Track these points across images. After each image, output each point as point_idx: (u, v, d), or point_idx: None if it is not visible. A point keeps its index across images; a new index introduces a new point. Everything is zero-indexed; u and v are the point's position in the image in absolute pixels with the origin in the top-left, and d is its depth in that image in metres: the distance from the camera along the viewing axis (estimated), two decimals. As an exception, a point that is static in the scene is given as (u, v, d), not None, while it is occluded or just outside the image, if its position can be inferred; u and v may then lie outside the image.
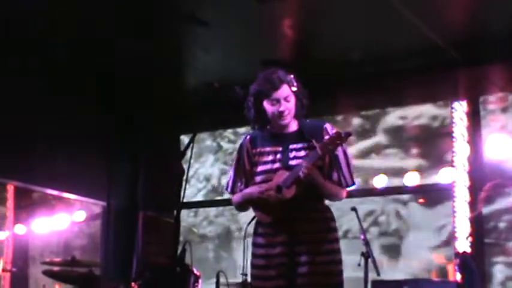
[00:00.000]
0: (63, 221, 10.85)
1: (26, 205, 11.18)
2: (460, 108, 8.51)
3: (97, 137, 9.42)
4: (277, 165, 4.36)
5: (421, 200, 9.71)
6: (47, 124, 8.69)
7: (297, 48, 8.47)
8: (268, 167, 4.39)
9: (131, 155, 9.90)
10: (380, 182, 8.94)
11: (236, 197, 4.56)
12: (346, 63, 8.69)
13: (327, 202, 4.48)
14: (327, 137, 4.20)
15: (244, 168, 4.54)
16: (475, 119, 8.47)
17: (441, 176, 8.55)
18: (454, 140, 8.47)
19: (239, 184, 4.55)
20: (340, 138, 4.16)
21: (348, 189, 4.46)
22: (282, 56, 8.47)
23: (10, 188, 11.14)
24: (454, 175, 8.37)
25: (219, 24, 7.85)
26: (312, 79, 8.77)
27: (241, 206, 4.56)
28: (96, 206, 10.17)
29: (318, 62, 8.66)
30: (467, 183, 8.30)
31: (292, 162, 4.31)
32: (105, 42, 8.33)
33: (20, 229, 11.07)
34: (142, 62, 8.74)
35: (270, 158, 4.41)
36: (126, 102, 9.68)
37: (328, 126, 4.37)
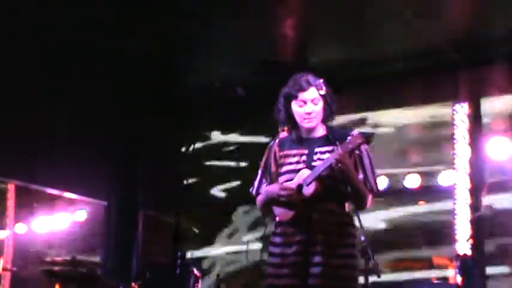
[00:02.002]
0: (64, 220, 10.84)
1: (27, 204, 11.16)
2: (461, 110, 8.51)
3: (98, 136, 9.41)
4: (301, 165, 4.40)
5: (421, 202, 9.69)
6: (47, 123, 8.69)
7: (296, 49, 8.48)
8: (292, 167, 4.43)
9: (132, 154, 9.90)
10: (381, 184, 8.93)
11: (259, 198, 4.60)
12: (347, 65, 8.70)
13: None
14: (349, 137, 4.26)
15: (270, 169, 4.59)
16: (476, 121, 8.47)
17: (442, 178, 8.55)
18: (455, 141, 8.47)
19: (264, 185, 4.60)
20: (361, 138, 4.22)
21: (373, 196, 4.46)
22: (282, 56, 8.48)
23: (11, 187, 11.13)
24: (455, 177, 8.37)
25: (220, 24, 7.86)
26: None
27: (264, 206, 4.56)
28: (97, 205, 10.17)
29: (318, 62, 8.68)
30: (468, 185, 8.30)
31: (315, 164, 4.34)
32: (105, 42, 8.33)
33: (20, 228, 11.06)
34: (143, 61, 8.75)
35: (295, 159, 4.45)
36: (127, 102, 9.67)
37: (355, 131, 4.42)
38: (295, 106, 4.45)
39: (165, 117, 9.95)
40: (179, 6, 7.60)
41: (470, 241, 8.10)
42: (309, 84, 4.43)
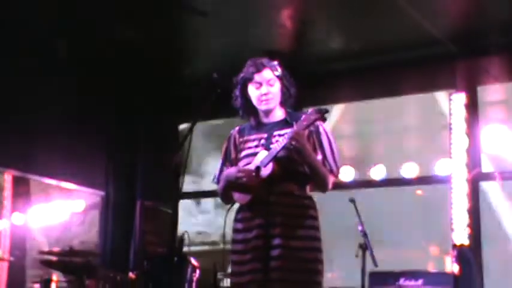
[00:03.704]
0: (62, 210, 10.83)
1: (24, 194, 11.15)
2: (458, 100, 8.50)
3: (96, 127, 9.42)
4: (259, 149, 4.39)
5: (419, 192, 9.71)
6: (46, 113, 8.69)
7: (296, 39, 8.47)
8: (251, 151, 4.43)
9: (130, 144, 9.90)
10: (378, 173, 8.94)
11: (219, 185, 4.56)
12: (345, 54, 8.71)
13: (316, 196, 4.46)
14: (303, 116, 4.22)
15: (229, 157, 4.60)
16: (473, 110, 8.46)
17: (439, 168, 8.55)
18: (451, 131, 8.46)
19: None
20: (315, 114, 4.17)
21: (334, 177, 4.41)
22: (282, 46, 8.48)
23: (8, 177, 11.13)
24: (452, 167, 8.36)
25: (218, 14, 7.86)
26: (311, 69, 8.89)
27: (224, 192, 4.53)
28: (95, 195, 10.17)
29: (317, 52, 8.69)
30: (465, 175, 8.30)
31: (274, 146, 4.32)
32: (104, 34, 8.33)
33: (17, 218, 11.06)
34: (141, 52, 8.75)
35: (255, 143, 4.45)
36: (125, 92, 9.68)
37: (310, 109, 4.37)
38: (251, 89, 4.46)
39: (163, 107, 9.96)
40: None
41: (468, 230, 8.11)
42: (264, 66, 4.45)
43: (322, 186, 4.40)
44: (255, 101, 4.48)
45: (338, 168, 4.42)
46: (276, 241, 4.22)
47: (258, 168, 4.31)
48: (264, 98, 4.43)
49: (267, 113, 4.50)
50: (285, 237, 4.21)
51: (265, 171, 4.27)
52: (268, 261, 4.21)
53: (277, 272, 4.18)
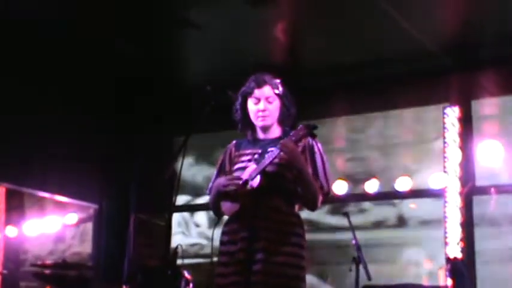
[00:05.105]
0: (55, 223, 10.83)
1: (18, 207, 11.15)
2: (452, 114, 8.52)
3: (90, 140, 9.41)
4: (251, 163, 4.40)
5: (412, 205, 9.71)
6: (39, 126, 8.68)
7: (290, 52, 8.49)
8: (243, 165, 4.43)
9: (124, 157, 9.89)
10: (372, 186, 8.93)
11: (210, 195, 4.57)
12: (338, 68, 8.73)
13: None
14: (292, 131, 4.25)
15: (224, 169, 4.60)
16: (466, 124, 8.48)
17: (432, 181, 8.56)
18: (446, 145, 8.48)
19: None
20: (303, 130, 4.20)
21: (324, 195, 4.40)
22: (275, 59, 8.50)
23: (1, 190, 11.12)
24: (446, 180, 8.38)
25: (212, 27, 7.88)
26: (306, 83, 8.90)
27: (214, 203, 4.52)
28: (88, 208, 10.16)
29: (311, 66, 8.70)
30: (459, 188, 8.31)
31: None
32: (102, 44, 8.34)
33: (11, 231, 11.04)
34: (136, 65, 8.75)
35: (248, 158, 4.46)
36: (120, 105, 9.68)
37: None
38: (250, 104, 4.48)
39: (157, 120, 9.96)
40: (173, 10, 7.62)
41: (461, 244, 8.13)
42: (265, 82, 4.46)
43: (311, 202, 4.38)
44: (252, 116, 4.49)
45: (329, 187, 4.41)
46: (259, 255, 4.21)
47: (246, 181, 4.32)
48: (260, 114, 4.44)
49: (264, 129, 4.51)
50: (268, 252, 4.21)
51: (253, 184, 4.29)
52: (250, 275, 4.21)
53: (257, 286, 4.17)
